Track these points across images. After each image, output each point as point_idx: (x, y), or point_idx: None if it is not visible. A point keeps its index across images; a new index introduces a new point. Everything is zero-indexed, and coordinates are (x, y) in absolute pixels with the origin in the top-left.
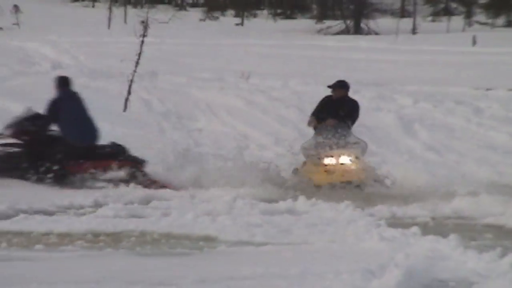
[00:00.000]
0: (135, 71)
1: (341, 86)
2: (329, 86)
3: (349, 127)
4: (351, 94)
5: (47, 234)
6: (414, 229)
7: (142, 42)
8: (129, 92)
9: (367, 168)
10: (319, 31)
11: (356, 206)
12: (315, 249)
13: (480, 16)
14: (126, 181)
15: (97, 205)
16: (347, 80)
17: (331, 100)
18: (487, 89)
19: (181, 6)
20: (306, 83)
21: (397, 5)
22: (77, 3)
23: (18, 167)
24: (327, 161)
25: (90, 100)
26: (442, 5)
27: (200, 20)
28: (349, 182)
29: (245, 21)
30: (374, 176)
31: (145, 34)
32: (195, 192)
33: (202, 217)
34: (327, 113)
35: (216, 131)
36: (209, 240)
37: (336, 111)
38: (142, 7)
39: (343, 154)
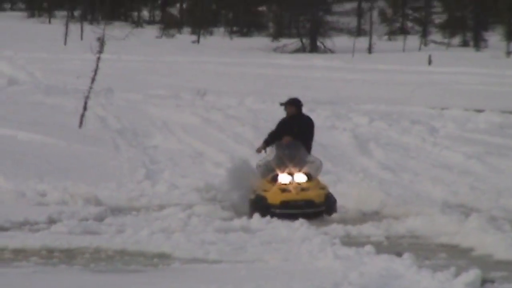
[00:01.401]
0: (91, 87)
1: (292, 103)
2: (281, 104)
3: (303, 146)
4: (308, 112)
5: (1, 249)
6: (369, 247)
7: (98, 58)
8: (84, 109)
9: (323, 188)
10: (275, 49)
11: (311, 224)
12: (269, 267)
13: (436, 36)
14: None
15: (52, 221)
16: (302, 98)
17: (286, 118)
18: (442, 109)
19: (137, 23)
20: (262, 101)
21: (353, 24)
22: (33, 19)
23: None
24: (282, 178)
25: (45, 116)
26: (398, 25)
27: (157, 37)
28: (306, 202)
29: (201, 39)
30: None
31: (101, 50)
32: (149, 209)
33: (157, 234)
34: (282, 132)
35: (171, 148)
36: (163, 257)
37: (291, 128)
38: (98, 23)
39: (299, 172)
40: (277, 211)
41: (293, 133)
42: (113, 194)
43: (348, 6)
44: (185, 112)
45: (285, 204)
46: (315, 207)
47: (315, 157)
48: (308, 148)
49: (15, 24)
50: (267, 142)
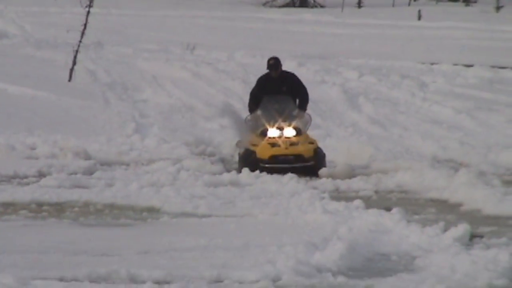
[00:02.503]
0: (80, 41)
1: (276, 65)
2: (268, 68)
3: (292, 100)
4: (298, 67)
5: None
6: (358, 202)
7: (88, 12)
8: (74, 62)
9: (313, 142)
10: (265, 4)
11: (300, 178)
12: (258, 221)
13: None
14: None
15: (41, 175)
16: (292, 53)
17: (270, 78)
18: (432, 64)
19: None
20: (252, 56)
21: None
22: None
23: None
24: (271, 133)
25: (35, 70)
26: None
27: None
28: (295, 156)
29: None
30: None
31: (91, 4)
32: (139, 163)
33: (146, 188)
34: (269, 91)
35: (161, 103)
36: (153, 211)
37: (279, 88)
38: None
39: (288, 127)
40: (266, 165)
41: (283, 92)
42: (102, 148)
43: None
44: (175, 66)
45: (274, 159)
46: (304, 162)
47: (304, 112)
48: (306, 101)
49: None
50: (253, 107)
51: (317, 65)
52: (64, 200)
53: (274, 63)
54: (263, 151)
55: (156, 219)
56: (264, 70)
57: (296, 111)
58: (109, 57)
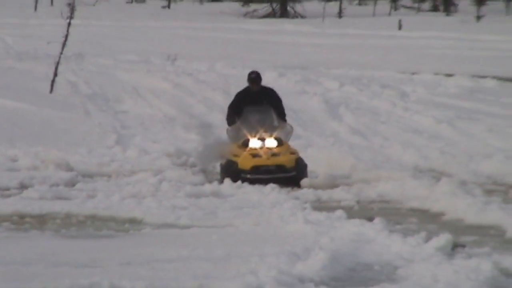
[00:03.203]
0: (61, 53)
1: (258, 79)
2: (248, 81)
3: (273, 111)
4: (278, 77)
5: None
6: (339, 212)
7: (69, 24)
8: (55, 74)
9: (294, 152)
10: (246, 14)
11: (281, 189)
12: (240, 232)
13: (406, 0)
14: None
15: (23, 187)
16: (272, 63)
17: (250, 92)
18: (413, 73)
19: None
20: (232, 66)
21: None
22: None
23: None
24: (253, 143)
25: (16, 82)
26: None
27: (127, 2)
28: (277, 166)
29: (172, 4)
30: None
31: (72, 16)
32: (120, 174)
33: (128, 199)
34: (250, 104)
35: (142, 114)
36: (135, 222)
37: (259, 101)
38: None
39: (270, 137)
40: (248, 176)
41: (263, 104)
42: (84, 159)
43: None
44: (155, 77)
45: (256, 169)
46: (286, 172)
47: (286, 122)
48: (284, 116)
49: None
50: (231, 120)
51: (298, 76)
52: (46, 211)
53: (255, 76)
54: (244, 162)
55: (138, 230)
56: (244, 81)
57: (277, 122)
58: (90, 69)
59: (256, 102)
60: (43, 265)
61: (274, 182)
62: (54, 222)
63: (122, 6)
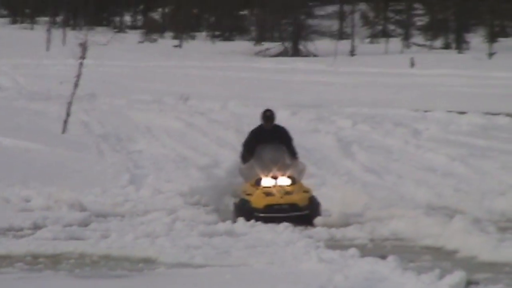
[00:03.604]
0: (74, 93)
1: (272, 117)
2: (263, 119)
3: (286, 149)
4: (291, 116)
5: None
6: (353, 250)
7: (81, 64)
8: (68, 114)
9: (307, 191)
10: (258, 53)
11: (295, 227)
12: (254, 270)
13: (418, 38)
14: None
15: (36, 227)
16: (285, 101)
17: (263, 130)
18: (425, 111)
19: (119, 28)
20: (245, 105)
21: (335, 27)
22: (15, 25)
23: None
24: (266, 182)
25: (29, 122)
26: (380, 27)
27: (139, 42)
28: (290, 205)
29: (184, 43)
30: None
31: (84, 56)
32: (134, 214)
33: (141, 239)
34: (263, 142)
35: (155, 153)
36: (148, 262)
37: (272, 140)
38: (81, 29)
39: (283, 176)
40: (261, 215)
41: (275, 142)
42: (97, 199)
43: (330, 9)
44: (168, 117)
45: (269, 208)
46: (299, 211)
47: (298, 161)
48: (294, 153)
49: None
50: (246, 158)
51: (311, 114)
52: (60, 252)
53: (270, 114)
54: (257, 201)
55: (152, 269)
56: (257, 119)
57: (290, 160)
58: (103, 108)
59: (269, 140)
60: None
61: (287, 221)
62: (68, 262)
63: (134, 46)
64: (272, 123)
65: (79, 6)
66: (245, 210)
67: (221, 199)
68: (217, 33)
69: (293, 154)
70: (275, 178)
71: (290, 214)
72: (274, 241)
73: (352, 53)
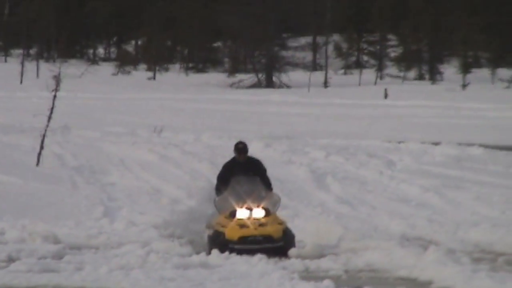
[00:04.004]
0: (47, 125)
1: (245, 150)
2: (235, 151)
3: (260, 181)
4: (264, 147)
5: None
6: (327, 282)
7: (55, 96)
8: (41, 147)
9: (281, 223)
10: (231, 85)
11: (269, 259)
12: None
13: (392, 69)
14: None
15: (10, 260)
16: (258, 133)
17: (237, 162)
18: (399, 142)
19: (93, 61)
20: (218, 137)
21: (309, 58)
22: None
23: None
24: (240, 214)
25: (2, 155)
26: (353, 58)
27: (113, 74)
28: (264, 237)
29: (157, 75)
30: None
31: (58, 88)
32: (108, 246)
33: (116, 271)
34: (237, 174)
35: (129, 185)
36: None
37: (246, 171)
38: (54, 61)
39: (257, 207)
40: (236, 246)
41: (249, 174)
42: (71, 231)
43: (303, 41)
44: (142, 149)
45: (243, 240)
46: (274, 242)
47: (273, 192)
48: (270, 187)
49: None
50: (221, 190)
51: (284, 146)
52: (34, 284)
53: (243, 147)
54: (232, 232)
55: None
56: (230, 151)
57: (264, 192)
58: (76, 141)
59: (243, 173)
60: None
61: (262, 253)
62: None
63: (107, 78)
64: (245, 155)
65: (51, 38)
66: (219, 242)
67: (195, 231)
68: (190, 65)
69: (267, 185)
70: (249, 209)
71: (265, 246)
72: (249, 273)
73: (325, 84)
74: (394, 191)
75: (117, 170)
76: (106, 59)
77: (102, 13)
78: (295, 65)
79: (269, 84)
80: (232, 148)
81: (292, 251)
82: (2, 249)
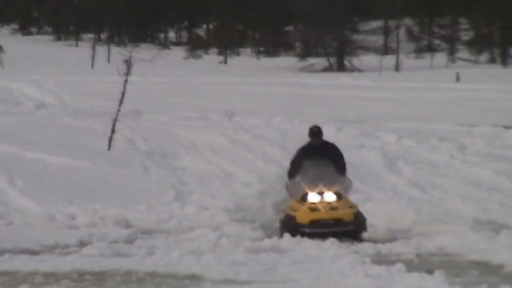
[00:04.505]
0: (119, 110)
1: (319, 133)
2: (310, 135)
3: (332, 165)
4: (336, 131)
5: (32, 273)
6: (399, 266)
7: (126, 81)
8: (113, 131)
9: (353, 206)
10: (302, 69)
11: (341, 243)
12: (301, 287)
13: (463, 53)
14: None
15: (82, 244)
16: (330, 117)
17: (312, 147)
18: (471, 126)
19: (164, 45)
20: (289, 121)
21: (380, 42)
22: (60, 42)
23: None
24: (311, 198)
25: (74, 139)
26: (425, 42)
27: (184, 58)
28: (335, 221)
29: (228, 59)
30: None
31: (129, 73)
32: (179, 230)
33: (187, 256)
34: (311, 159)
35: (200, 170)
36: (194, 278)
37: (321, 155)
38: (125, 46)
39: (328, 191)
40: (307, 230)
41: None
42: (142, 216)
43: (375, 24)
44: (213, 133)
45: (314, 223)
46: (345, 226)
47: (345, 177)
48: (344, 172)
49: (42, 47)
50: (293, 175)
51: (356, 129)
52: (106, 269)
53: (317, 130)
54: (303, 216)
55: (197, 286)
56: (302, 135)
57: (336, 176)
58: (147, 125)
59: (318, 157)
60: None
61: (333, 236)
62: (114, 280)
63: (179, 62)
64: (320, 139)
65: (122, 22)
66: (290, 226)
67: (267, 216)
68: (261, 49)
69: (342, 170)
70: (321, 193)
71: (336, 229)
72: (320, 257)
73: (397, 68)
74: (466, 175)
75: (188, 154)
76: (177, 43)
77: None
78: (366, 49)
79: (340, 68)
80: (304, 132)
81: (364, 235)
82: (73, 233)
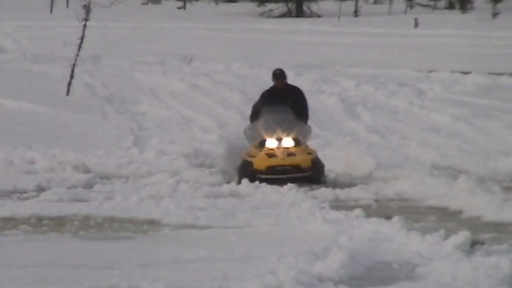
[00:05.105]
0: (77, 55)
1: (283, 75)
2: (273, 78)
3: (291, 111)
4: (295, 76)
5: None
6: (358, 211)
7: (85, 26)
8: (72, 76)
9: (311, 152)
10: (261, 14)
11: (300, 188)
12: (259, 232)
13: None
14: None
15: (40, 189)
16: (289, 62)
17: (275, 91)
18: (430, 71)
19: None
20: (249, 67)
21: None
22: None
23: None
24: (269, 143)
25: (33, 84)
26: None
27: (143, 4)
28: (292, 167)
29: (187, 5)
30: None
31: (87, 18)
32: (138, 176)
33: (145, 201)
34: (275, 104)
35: (159, 115)
36: (152, 223)
37: (285, 99)
38: None
39: (287, 137)
40: (263, 176)
41: (287, 105)
42: (101, 161)
43: None
44: (172, 79)
45: (271, 169)
46: (302, 172)
47: (305, 123)
48: (306, 117)
49: None
50: (253, 120)
51: (315, 75)
52: (64, 214)
53: (280, 72)
54: (260, 162)
55: (156, 231)
56: (261, 80)
57: (295, 122)
58: (107, 71)
59: (281, 102)
60: (61, 267)
61: (292, 182)
62: (72, 225)
63: (137, 8)
64: (283, 82)
65: None
66: (247, 172)
67: (225, 161)
68: None
69: (303, 116)
70: (279, 139)
71: (292, 175)
72: (279, 202)
73: (356, 13)
74: (424, 120)
75: (147, 100)
76: None
77: None
78: None
79: (299, 13)
80: (263, 77)
81: (322, 180)
82: (32, 178)
